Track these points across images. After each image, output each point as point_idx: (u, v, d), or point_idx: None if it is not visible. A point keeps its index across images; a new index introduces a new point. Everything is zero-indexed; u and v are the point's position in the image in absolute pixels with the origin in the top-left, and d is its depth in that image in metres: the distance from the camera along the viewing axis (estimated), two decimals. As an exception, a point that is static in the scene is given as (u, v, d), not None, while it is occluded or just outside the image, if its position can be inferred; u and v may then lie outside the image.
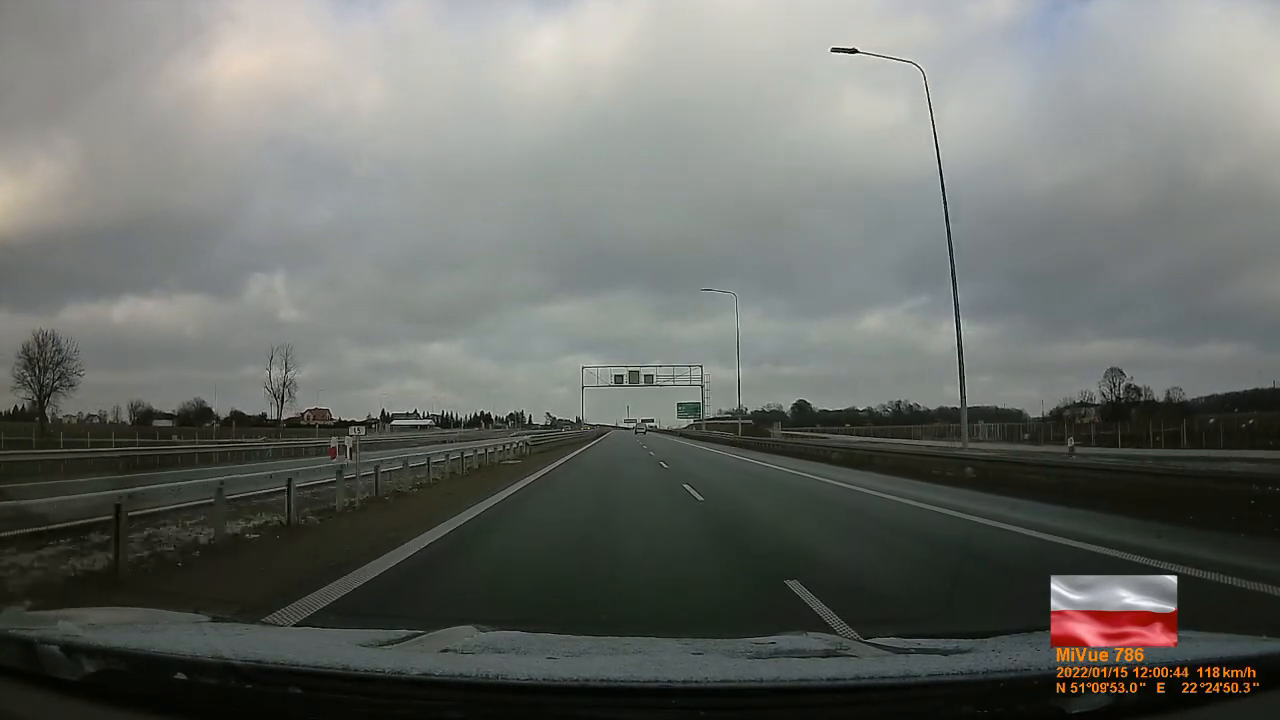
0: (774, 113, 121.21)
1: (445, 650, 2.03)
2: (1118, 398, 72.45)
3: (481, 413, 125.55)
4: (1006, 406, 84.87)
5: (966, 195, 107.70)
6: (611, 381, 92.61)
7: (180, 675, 1.66)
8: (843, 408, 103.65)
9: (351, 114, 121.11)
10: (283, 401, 77.38)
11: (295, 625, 4.60)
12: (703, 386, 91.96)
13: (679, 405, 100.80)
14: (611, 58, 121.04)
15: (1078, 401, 75.11)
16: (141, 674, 1.72)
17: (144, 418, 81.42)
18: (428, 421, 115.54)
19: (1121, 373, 73.25)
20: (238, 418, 79.97)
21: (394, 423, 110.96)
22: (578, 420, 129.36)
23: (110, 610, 2.54)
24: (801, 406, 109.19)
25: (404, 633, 2.19)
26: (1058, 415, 71.72)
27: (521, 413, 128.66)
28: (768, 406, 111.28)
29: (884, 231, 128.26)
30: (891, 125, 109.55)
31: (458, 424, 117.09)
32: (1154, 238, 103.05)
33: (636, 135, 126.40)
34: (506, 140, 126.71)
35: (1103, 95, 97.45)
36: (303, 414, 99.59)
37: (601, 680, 1.63)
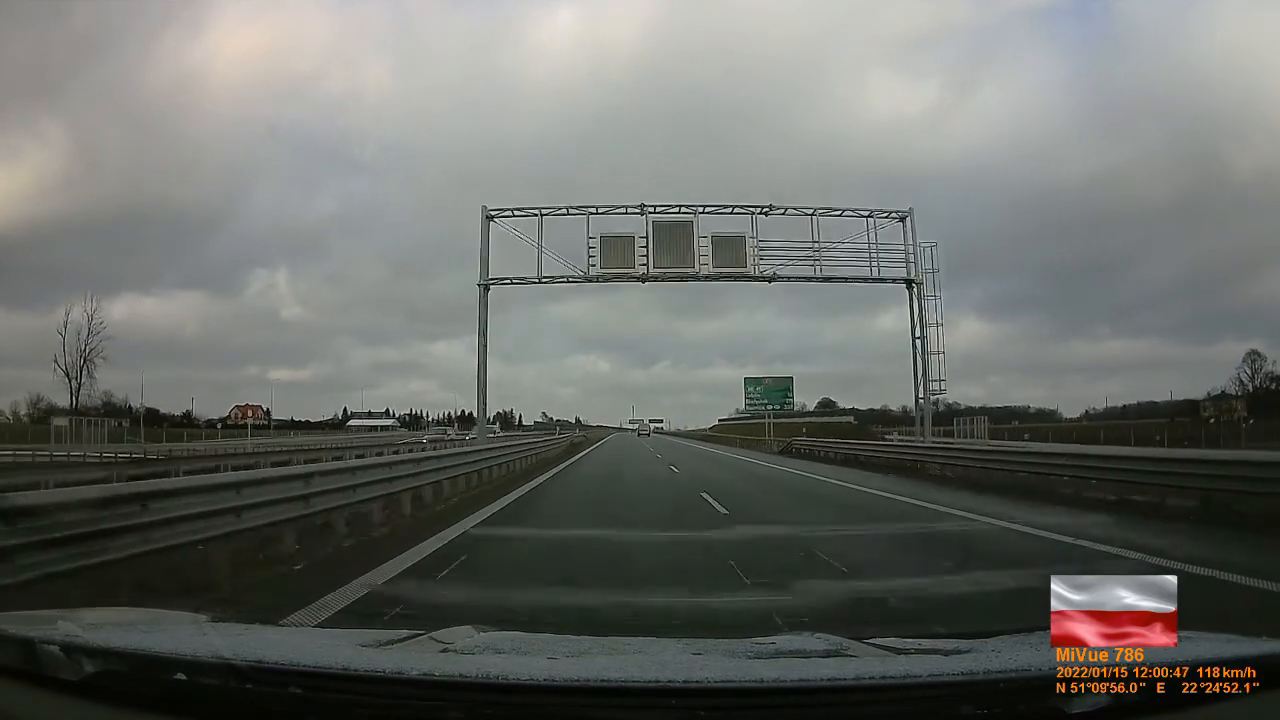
0: (795, 101, 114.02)
1: (446, 650, 2.03)
2: (1256, 385, 61.71)
3: (463, 411, 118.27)
4: (1039, 406, 78.61)
5: (993, 188, 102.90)
6: (588, 269, 28.80)
7: (180, 675, 1.66)
8: (865, 407, 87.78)
9: (356, 98, 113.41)
10: (78, 382, 53.37)
11: (296, 625, 4.60)
12: (919, 284, 29.60)
13: (750, 383, 57.06)
14: (628, 40, 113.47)
15: (1222, 391, 63.24)
16: (141, 674, 1.72)
17: (43, 416, 69.48)
18: (392, 423, 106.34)
19: (1262, 356, 61.80)
20: (154, 417, 69.65)
21: (352, 423, 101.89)
22: (576, 420, 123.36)
23: (110, 610, 2.54)
24: (826, 405, 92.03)
25: (404, 633, 2.19)
26: (1193, 408, 61.99)
27: (510, 411, 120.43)
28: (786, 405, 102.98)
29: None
30: (915, 115, 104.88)
31: (437, 424, 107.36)
32: (1181, 233, 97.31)
33: (651, 122, 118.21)
34: (517, 125, 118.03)
35: (1137, 83, 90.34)
36: (231, 411, 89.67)
37: (601, 680, 1.63)
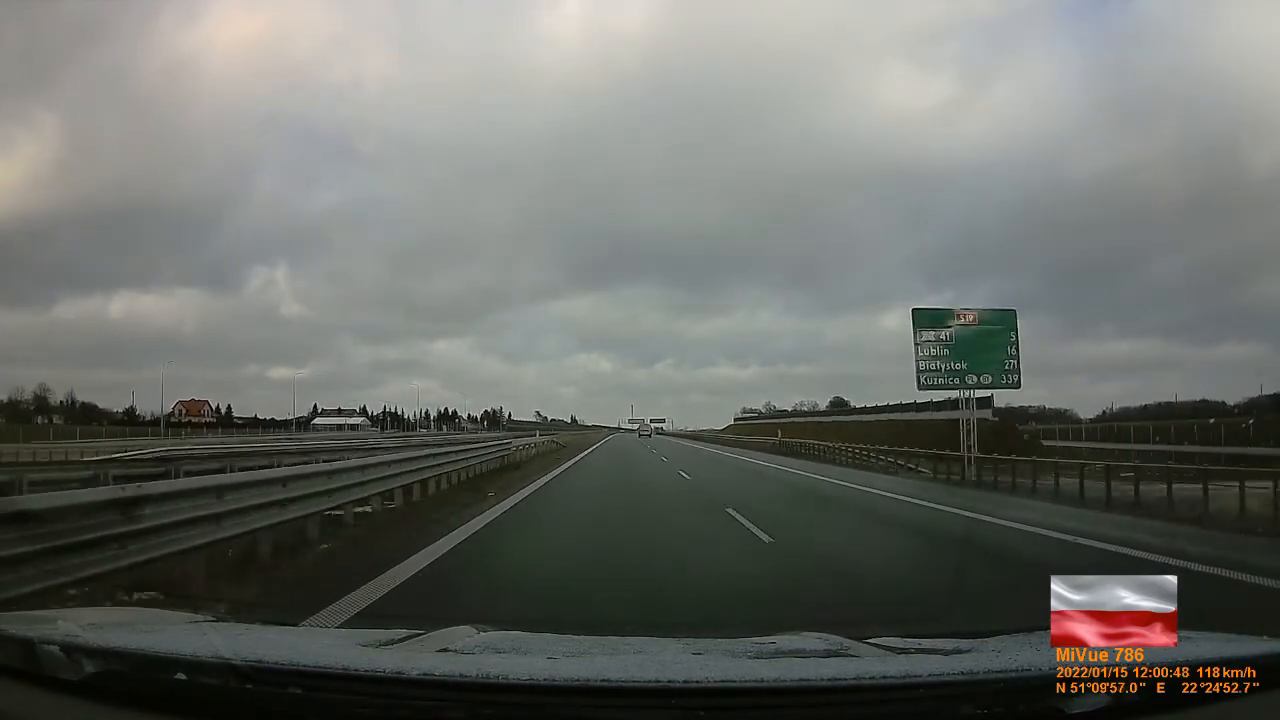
0: (808, 93, 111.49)
1: (445, 650, 2.03)
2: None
3: (448, 410, 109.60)
4: (1054, 406, 75.86)
5: (1003, 185, 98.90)
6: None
7: (180, 675, 1.66)
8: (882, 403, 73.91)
9: (358, 87, 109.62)
10: None
11: (297, 625, 4.60)
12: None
13: (925, 322, 24.55)
14: (638, 30, 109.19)
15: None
16: (141, 674, 1.72)
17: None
18: (360, 421, 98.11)
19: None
20: (87, 412, 67.32)
21: (317, 421, 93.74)
22: (572, 420, 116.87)
23: (110, 610, 2.55)
24: (839, 403, 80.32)
25: (404, 632, 2.19)
26: (1276, 403, 50.53)
27: (499, 409, 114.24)
28: (799, 404, 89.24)
29: (913, 222, 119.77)
30: (929, 110, 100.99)
31: (411, 425, 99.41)
32: (1190, 231, 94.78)
33: (660, 115, 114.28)
34: (523, 117, 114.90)
35: (1154, 78, 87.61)
36: (174, 407, 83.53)
37: (602, 680, 1.63)
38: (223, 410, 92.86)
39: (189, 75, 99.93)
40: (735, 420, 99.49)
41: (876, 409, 49.38)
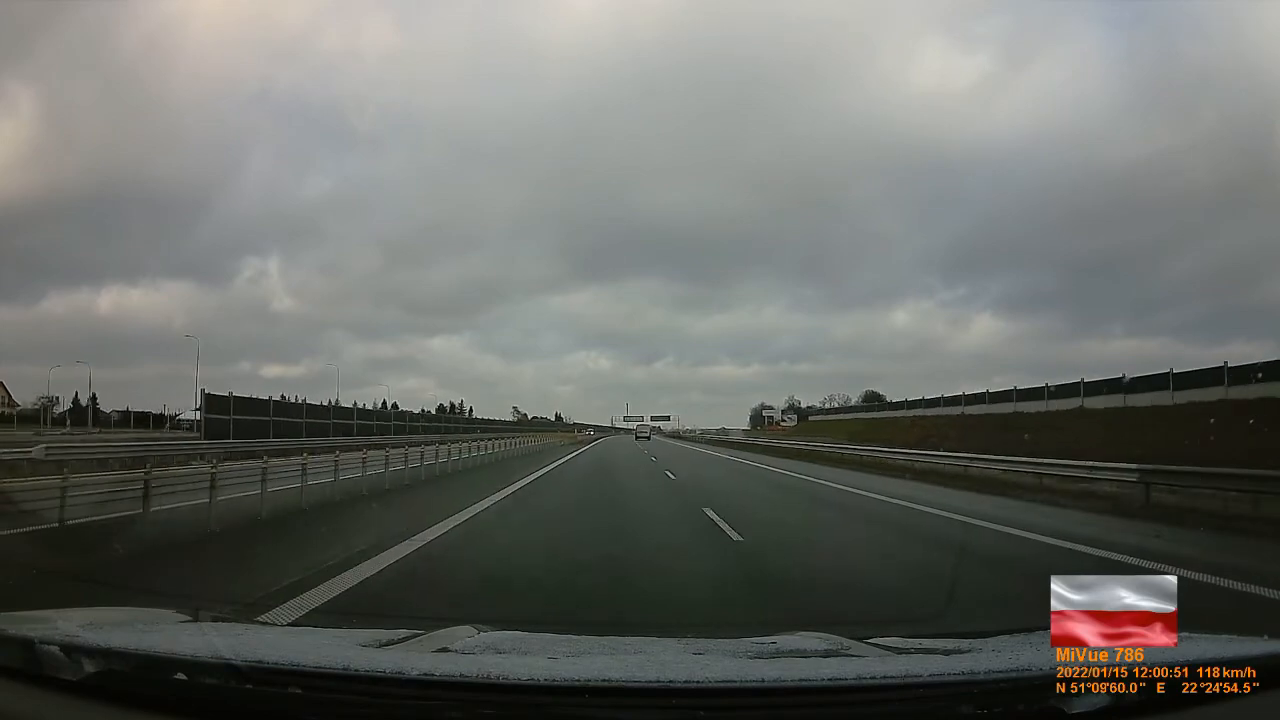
0: (835, 70, 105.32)
1: (446, 650, 2.04)
2: None
3: (388, 403, 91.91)
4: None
5: (1029, 171, 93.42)
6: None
7: (180, 675, 1.66)
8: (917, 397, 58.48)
9: (355, 58, 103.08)
10: None
11: (295, 625, 4.60)
12: None
13: None
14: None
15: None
16: (141, 674, 1.72)
17: None
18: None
19: None
20: None
21: (189, 416, 79.33)
22: (557, 417, 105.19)
23: (110, 610, 2.54)
24: (873, 397, 75.38)
25: (404, 632, 2.20)
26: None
27: (459, 403, 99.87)
28: (828, 399, 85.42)
29: (930, 214, 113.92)
30: (963, 90, 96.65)
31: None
32: (1217, 225, 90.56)
33: (676, 91, 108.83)
34: (530, 92, 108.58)
35: (1198, 62, 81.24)
36: None
37: (602, 680, 1.63)
38: (82, 401, 75.54)
39: (171, 45, 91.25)
40: (819, 415, 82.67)
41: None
